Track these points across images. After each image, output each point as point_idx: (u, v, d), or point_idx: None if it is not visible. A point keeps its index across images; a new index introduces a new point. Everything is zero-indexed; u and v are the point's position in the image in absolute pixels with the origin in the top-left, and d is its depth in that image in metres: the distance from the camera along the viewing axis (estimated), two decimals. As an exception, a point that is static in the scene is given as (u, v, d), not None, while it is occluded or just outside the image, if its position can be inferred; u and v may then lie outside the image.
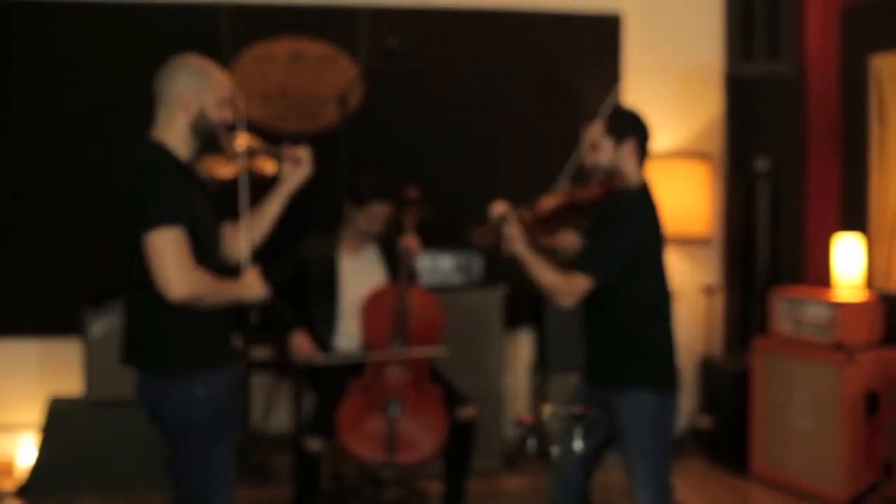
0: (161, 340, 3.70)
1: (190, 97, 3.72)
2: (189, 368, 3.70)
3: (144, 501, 5.93)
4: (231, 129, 3.87)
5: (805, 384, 6.22)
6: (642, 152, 4.29)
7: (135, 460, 6.11)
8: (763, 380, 6.45)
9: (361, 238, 5.59)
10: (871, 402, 5.97)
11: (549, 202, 4.24)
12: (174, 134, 3.75)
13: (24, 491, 6.10)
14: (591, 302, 4.22)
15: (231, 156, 3.87)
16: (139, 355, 3.77)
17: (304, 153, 4.02)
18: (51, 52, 6.69)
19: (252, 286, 3.78)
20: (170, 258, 3.53)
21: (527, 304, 6.92)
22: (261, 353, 6.73)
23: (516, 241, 4.16)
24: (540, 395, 6.96)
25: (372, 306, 5.38)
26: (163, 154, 3.71)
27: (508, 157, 7.23)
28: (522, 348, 7.23)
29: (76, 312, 6.31)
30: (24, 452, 6.47)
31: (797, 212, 7.22)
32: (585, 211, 4.23)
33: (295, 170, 4.02)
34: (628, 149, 4.25)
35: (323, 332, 5.50)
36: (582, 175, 4.29)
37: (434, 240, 5.97)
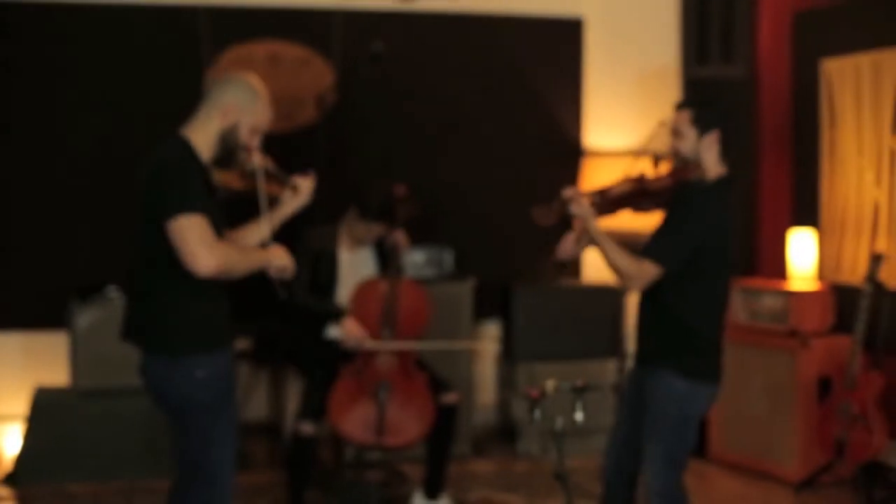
0: (165, 322, 3.91)
1: (232, 109, 3.93)
2: (190, 350, 3.91)
3: (129, 487, 6.09)
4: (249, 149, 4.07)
5: (761, 370, 6.55)
6: (724, 146, 4.34)
7: (120, 447, 6.26)
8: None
9: (357, 239, 5.82)
10: (824, 387, 6.30)
11: (619, 187, 4.30)
12: (204, 135, 3.95)
13: (10, 478, 6.24)
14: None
15: (242, 172, 4.09)
16: (142, 335, 3.98)
17: (306, 184, 4.24)
18: (35, 52, 6.82)
19: (279, 255, 4.04)
20: (195, 238, 3.75)
21: (495, 297, 7.18)
22: (239, 343, 6.92)
23: (590, 219, 4.21)
24: (507, 383, 7.24)
25: (362, 298, 5.63)
26: (189, 151, 3.91)
27: (476, 155, 7.48)
28: (490, 339, 7.47)
29: (60, 306, 6.46)
30: (11, 443, 6.62)
31: (752, 208, 7.53)
32: (655, 198, 4.30)
33: (294, 197, 4.23)
34: (710, 140, 4.29)
35: (321, 321, 5.75)
36: (659, 158, 4.37)
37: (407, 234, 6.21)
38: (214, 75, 6.78)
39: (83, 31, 6.90)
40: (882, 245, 6.38)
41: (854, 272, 6.56)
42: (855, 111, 6.61)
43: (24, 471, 6.26)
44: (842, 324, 6.50)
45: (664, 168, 4.33)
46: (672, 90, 7.37)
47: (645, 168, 4.35)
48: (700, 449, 6.86)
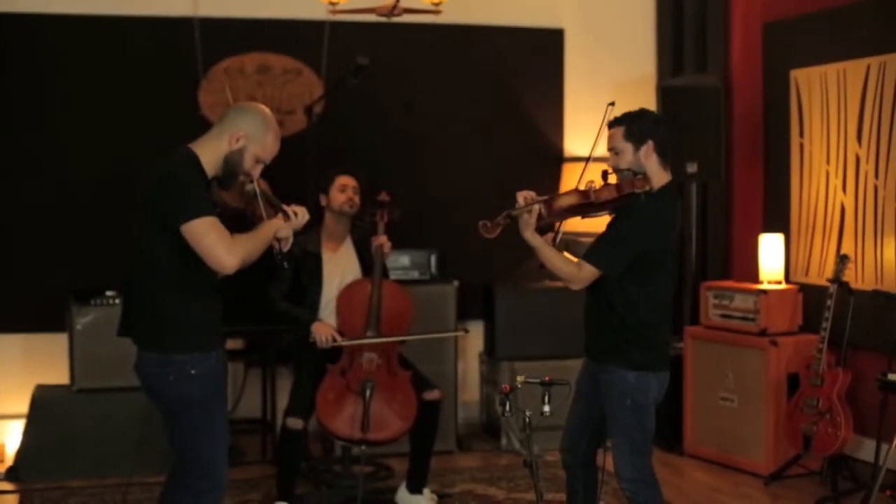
0: (161, 322, 4.11)
1: (241, 135, 4.12)
2: (184, 349, 4.11)
3: (126, 482, 6.18)
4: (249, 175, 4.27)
5: (732, 368, 6.81)
6: (664, 153, 4.49)
7: (117, 444, 6.45)
8: (694, 365, 7.04)
9: (339, 233, 6.05)
10: (792, 383, 6.56)
11: (565, 200, 4.46)
12: (210, 153, 4.14)
13: (11, 473, 6.47)
14: (590, 286, 4.52)
15: (242, 191, 4.30)
16: (139, 333, 4.19)
17: (300, 212, 4.36)
18: (36, 62, 7.07)
19: (280, 224, 4.24)
20: (214, 238, 3.96)
21: (477, 298, 7.45)
22: (232, 343, 7.14)
23: (528, 228, 4.39)
24: (488, 381, 7.50)
25: (348, 299, 5.89)
26: (196, 163, 4.11)
27: (459, 161, 7.77)
28: (473, 338, 7.67)
29: (60, 309, 6.71)
30: (13, 440, 6.83)
31: (724, 212, 7.81)
32: (600, 209, 4.47)
33: (286, 223, 4.31)
34: (647, 151, 4.44)
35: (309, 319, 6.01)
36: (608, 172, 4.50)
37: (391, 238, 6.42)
38: (208, 87, 7.06)
39: (79, 41, 7.15)
40: (847, 247, 6.64)
41: (821, 273, 6.82)
42: (822, 120, 6.87)
43: (24, 466, 6.47)
44: (809, 323, 6.76)
45: (613, 180, 4.49)
46: (649, 98, 7.50)
47: (595, 180, 4.49)
48: (676, 444, 7.16)
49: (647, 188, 4.43)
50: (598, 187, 4.44)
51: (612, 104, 4.67)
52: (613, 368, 4.52)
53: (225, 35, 7.28)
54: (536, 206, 4.40)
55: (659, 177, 4.50)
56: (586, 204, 4.44)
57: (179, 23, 7.19)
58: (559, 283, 7.52)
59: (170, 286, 4.09)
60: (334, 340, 5.76)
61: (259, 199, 4.30)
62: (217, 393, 4.25)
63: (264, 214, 4.33)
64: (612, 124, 4.56)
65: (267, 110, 4.27)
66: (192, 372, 4.10)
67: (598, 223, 4.85)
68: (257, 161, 4.19)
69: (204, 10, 7.22)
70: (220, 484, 4.25)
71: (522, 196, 4.48)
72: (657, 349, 4.59)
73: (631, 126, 4.48)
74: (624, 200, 4.43)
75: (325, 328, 5.80)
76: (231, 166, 4.16)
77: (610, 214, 4.61)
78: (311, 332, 5.80)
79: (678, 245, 4.67)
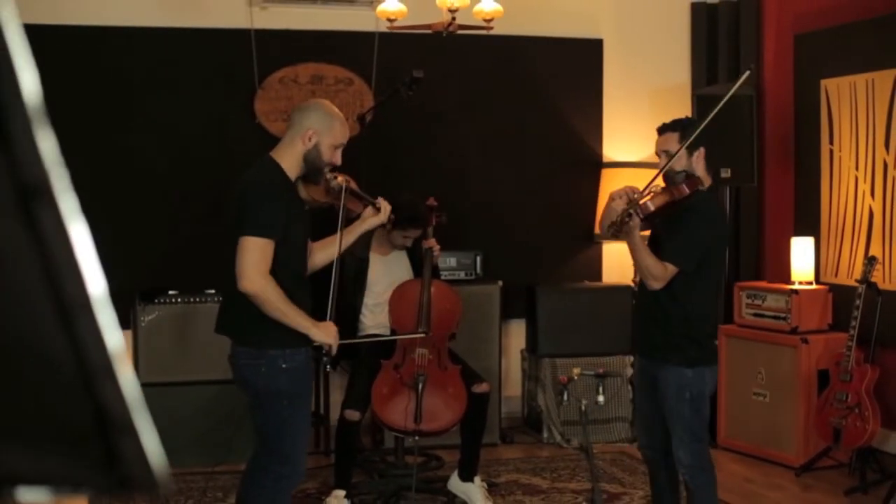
0: (254, 321, 4.40)
1: (312, 133, 4.43)
2: (276, 344, 4.42)
3: (190, 472, 6.53)
4: (336, 168, 4.64)
5: (765, 364, 7.11)
6: (710, 159, 4.82)
7: (180, 435, 6.66)
8: (728, 362, 7.32)
9: (391, 245, 6.42)
10: (822, 379, 6.83)
11: (656, 200, 4.66)
12: (289, 157, 4.45)
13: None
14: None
15: (328, 188, 4.62)
16: (234, 330, 4.53)
17: (385, 205, 4.74)
18: (98, 74, 7.37)
19: (326, 332, 4.49)
20: (253, 260, 4.27)
21: (520, 298, 7.76)
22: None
23: (634, 232, 4.64)
24: (530, 377, 7.82)
25: (399, 298, 6.22)
26: (277, 171, 4.43)
27: (503, 166, 8.06)
28: (516, 336, 8.04)
29: (125, 306, 6.97)
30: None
31: (756, 216, 8.09)
32: (674, 208, 4.71)
33: (375, 215, 4.75)
34: (699, 156, 4.78)
35: (355, 319, 6.34)
36: (666, 179, 4.77)
37: (440, 240, 6.62)
38: (263, 96, 7.38)
39: (139, 53, 7.45)
40: (875, 249, 6.92)
41: (850, 275, 7.10)
42: (851, 127, 7.15)
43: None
44: (838, 321, 7.04)
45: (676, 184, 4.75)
46: (684, 106, 7.81)
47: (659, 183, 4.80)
48: (710, 437, 7.43)
49: (704, 187, 4.77)
50: (676, 186, 4.69)
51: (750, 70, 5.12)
52: (672, 366, 4.81)
53: (280, 46, 7.57)
54: (634, 211, 4.61)
55: (706, 180, 4.82)
56: (671, 203, 4.67)
57: (236, 34, 7.49)
58: (597, 284, 7.92)
59: None
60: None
61: (344, 194, 4.61)
62: (303, 387, 4.57)
63: (352, 208, 4.69)
64: (664, 130, 4.88)
65: (326, 102, 4.59)
66: (283, 366, 4.40)
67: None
68: (335, 149, 4.49)
69: (259, 22, 7.53)
70: (299, 470, 4.57)
71: (620, 195, 4.73)
72: (710, 344, 4.92)
73: (686, 132, 4.78)
74: (691, 198, 4.68)
75: (330, 334, 6.08)
76: (312, 163, 4.46)
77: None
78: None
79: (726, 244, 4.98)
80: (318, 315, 4.54)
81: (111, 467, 0.99)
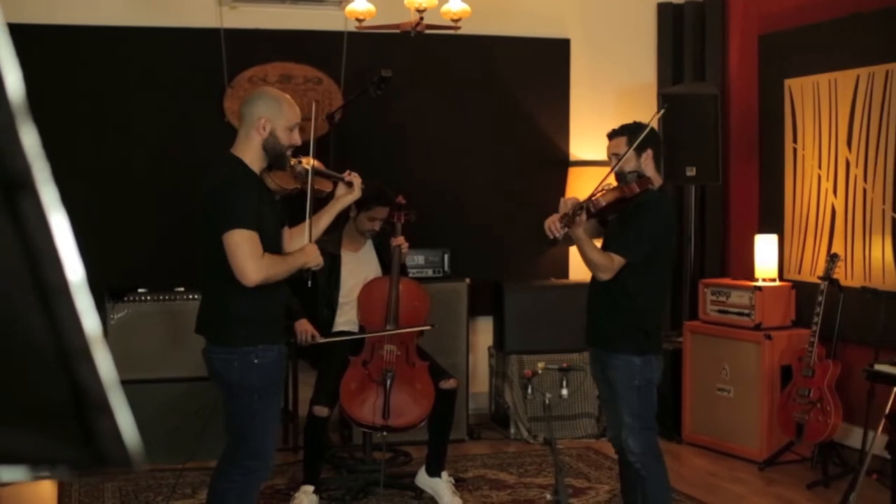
0: (227, 319, 4.48)
1: (265, 121, 4.47)
2: (249, 341, 4.47)
3: (160, 469, 6.57)
4: (299, 152, 4.69)
5: (729, 360, 7.21)
6: (658, 159, 5.07)
7: (149, 432, 6.78)
8: (693, 358, 7.44)
9: (361, 237, 6.47)
10: (785, 374, 6.94)
11: (605, 197, 4.87)
12: (249, 151, 4.49)
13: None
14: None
15: (295, 173, 4.65)
16: (210, 328, 4.58)
17: (356, 180, 4.79)
18: (70, 72, 7.38)
19: (311, 255, 4.57)
20: (244, 252, 4.33)
21: (488, 295, 7.83)
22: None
23: (581, 226, 4.83)
24: (497, 373, 7.88)
25: (368, 295, 6.28)
26: (240, 166, 4.47)
27: (472, 165, 8.13)
28: (483, 333, 8.11)
29: (96, 304, 7.03)
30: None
31: (721, 214, 8.19)
32: (625, 205, 4.92)
33: (348, 192, 4.80)
34: (647, 157, 4.98)
35: (326, 317, 6.39)
36: (617, 179, 5.00)
37: (408, 238, 6.63)
38: (232, 94, 7.42)
39: (111, 51, 7.47)
40: (838, 247, 7.02)
41: (813, 271, 7.20)
42: (815, 126, 7.25)
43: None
44: (801, 318, 7.15)
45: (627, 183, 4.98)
46: (650, 105, 7.89)
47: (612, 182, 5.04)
48: (676, 433, 7.54)
49: (654, 186, 4.97)
50: (626, 185, 4.92)
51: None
52: (621, 355, 4.98)
53: (249, 46, 7.61)
54: (585, 206, 4.83)
55: (656, 179, 5.03)
56: (620, 199, 4.89)
57: (206, 34, 7.52)
58: (563, 281, 8.01)
59: (236, 285, 4.40)
60: (313, 338, 6.16)
61: (311, 175, 4.65)
62: (274, 382, 4.62)
63: (323, 188, 4.73)
64: (614, 135, 5.10)
65: (269, 88, 4.69)
66: (255, 361, 4.46)
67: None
68: (290, 130, 4.52)
69: (229, 22, 7.57)
70: (267, 464, 4.62)
71: (570, 202, 4.92)
72: (657, 334, 5.11)
73: (633, 136, 4.99)
74: (641, 196, 4.90)
75: (306, 326, 6.20)
76: (272, 150, 4.50)
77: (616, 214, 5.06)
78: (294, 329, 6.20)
79: (676, 240, 5.13)
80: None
81: (87, 445, 1.04)
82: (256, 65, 7.64)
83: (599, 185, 4.97)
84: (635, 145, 4.94)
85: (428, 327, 6.31)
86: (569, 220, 4.78)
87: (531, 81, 8.25)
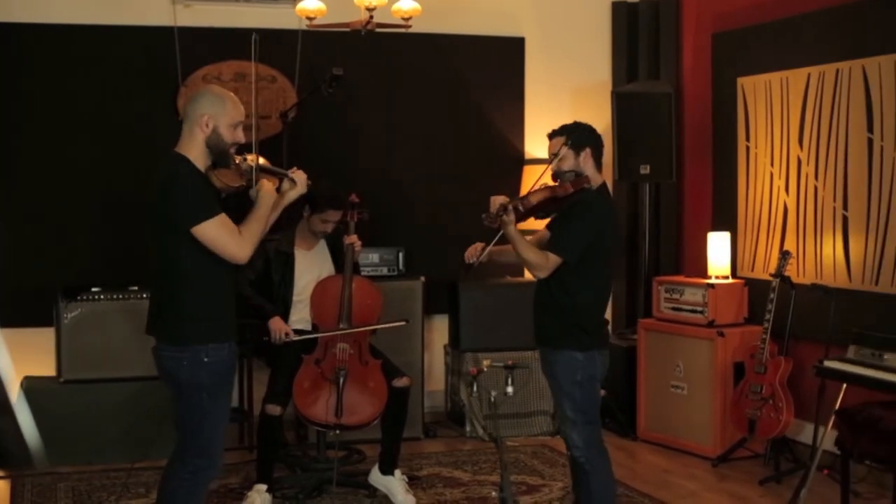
0: (178, 318, 4.47)
1: (207, 118, 4.46)
2: (199, 339, 4.46)
3: (112, 468, 6.58)
4: (244, 149, 4.66)
5: (682, 357, 7.25)
6: (597, 158, 5.10)
7: (103, 432, 6.77)
8: (647, 355, 7.48)
9: (314, 236, 6.46)
10: (738, 371, 6.98)
11: (536, 196, 4.92)
12: (194, 148, 4.48)
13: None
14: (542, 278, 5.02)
15: (239, 171, 4.61)
16: (160, 328, 4.55)
17: (301, 176, 4.76)
18: (25, 69, 7.35)
19: (268, 191, 4.58)
20: (225, 238, 4.38)
21: (442, 293, 7.84)
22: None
23: (511, 224, 4.86)
24: (453, 371, 7.88)
25: (321, 293, 6.28)
26: (186, 163, 4.45)
27: (426, 163, 8.14)
28: (439, 331, 8.12)
29: (47, 304, 6.99)
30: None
31: (675, 211, 8.23)
32: (560, 204, 4.96)
33: (292, 188, 4.75)
34: (586, 156, 5.04)
35: (286, 313, 6.37)
36: (555, 178, 5.04)
37: (362, 236, 6.60)
38: (187, 93, 7.39)
39: (66, 49, 7.42)
40: (790, 244, 7.06)
41: (765, 269, 7.23)
42: (767, 125, 7.29)
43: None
44: (754, 315, 7.20)
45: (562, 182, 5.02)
46: (604, 103, 7.90)
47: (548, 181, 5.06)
48: (630, 430, 7.58)
49: (591, 185, 5.01)
50: (559, 184, 4.97)
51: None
52: (564, 351, 5.00)
53: (203, 44, 7.59)
54: (514, 204, 4.87)
55: (595, 178, 5.07)
56: (552, 198, 4.93)
57: (160, 32, 7.50)
58: (519, 279, 8.02)
59: (188, 284, 4.42)
60: (287, 336, 6.15)
61: (256, 172, 4.61)
62: (224, 381, 4.60)
63: (233, 184, 4.61)
64: (553, 135, 5.14)
65: (213, 86, 4.65)
66: (205, 359, 4.45)
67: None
68: (234, 128, 4.51)
69: (183, 20, 7.54)
70: (216, 463, 4.62)
71: (498, 200, 4.94)
72: (600, 329, 5.12)
73: (570, 136, 5.04)
74: (577, 196, 4.93)
75: (280, 325, 6.19)
76: (216, 147, 4.49)
77: (556, 212, 5.09)
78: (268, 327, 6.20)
79: (617, 237, 5.13)
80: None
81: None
82: (211, 63, 7.60)
83: (534, 184, 5.02)
84: (570, 144, 4.99)
85: (402, 323, 6.38)
86: (493, 219, 4.83)
87: (486, 80, 8.26)
